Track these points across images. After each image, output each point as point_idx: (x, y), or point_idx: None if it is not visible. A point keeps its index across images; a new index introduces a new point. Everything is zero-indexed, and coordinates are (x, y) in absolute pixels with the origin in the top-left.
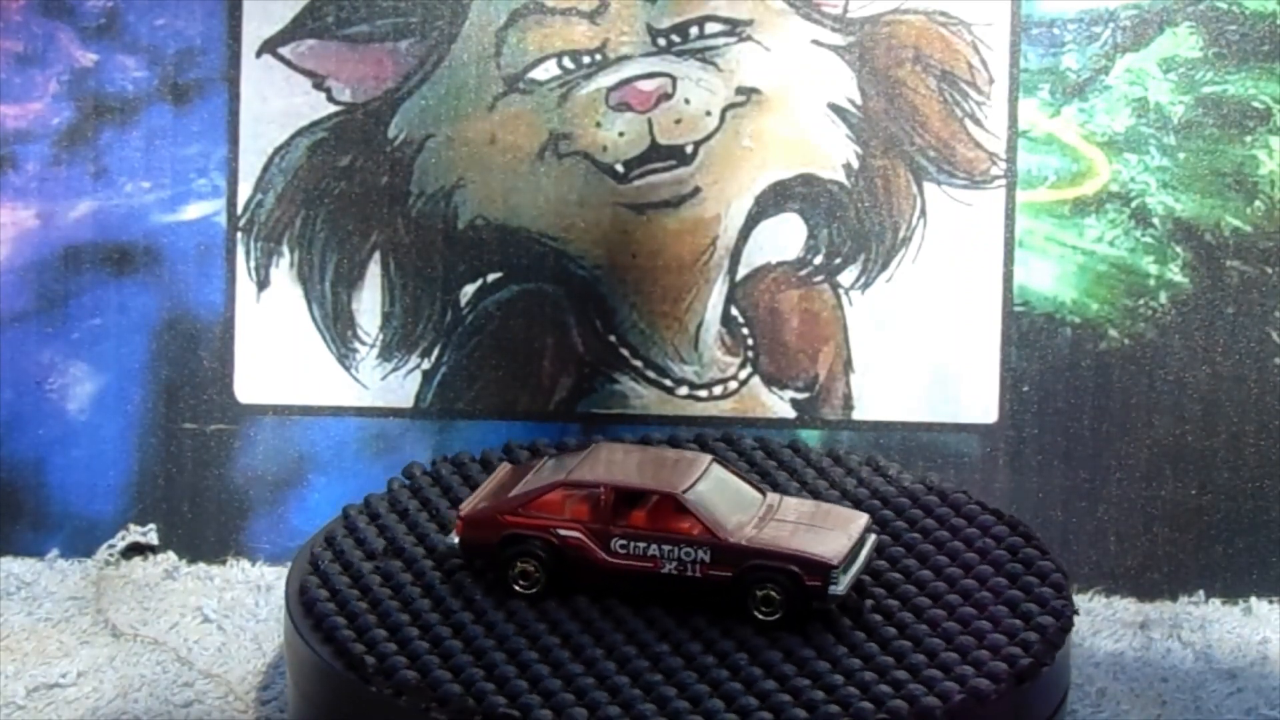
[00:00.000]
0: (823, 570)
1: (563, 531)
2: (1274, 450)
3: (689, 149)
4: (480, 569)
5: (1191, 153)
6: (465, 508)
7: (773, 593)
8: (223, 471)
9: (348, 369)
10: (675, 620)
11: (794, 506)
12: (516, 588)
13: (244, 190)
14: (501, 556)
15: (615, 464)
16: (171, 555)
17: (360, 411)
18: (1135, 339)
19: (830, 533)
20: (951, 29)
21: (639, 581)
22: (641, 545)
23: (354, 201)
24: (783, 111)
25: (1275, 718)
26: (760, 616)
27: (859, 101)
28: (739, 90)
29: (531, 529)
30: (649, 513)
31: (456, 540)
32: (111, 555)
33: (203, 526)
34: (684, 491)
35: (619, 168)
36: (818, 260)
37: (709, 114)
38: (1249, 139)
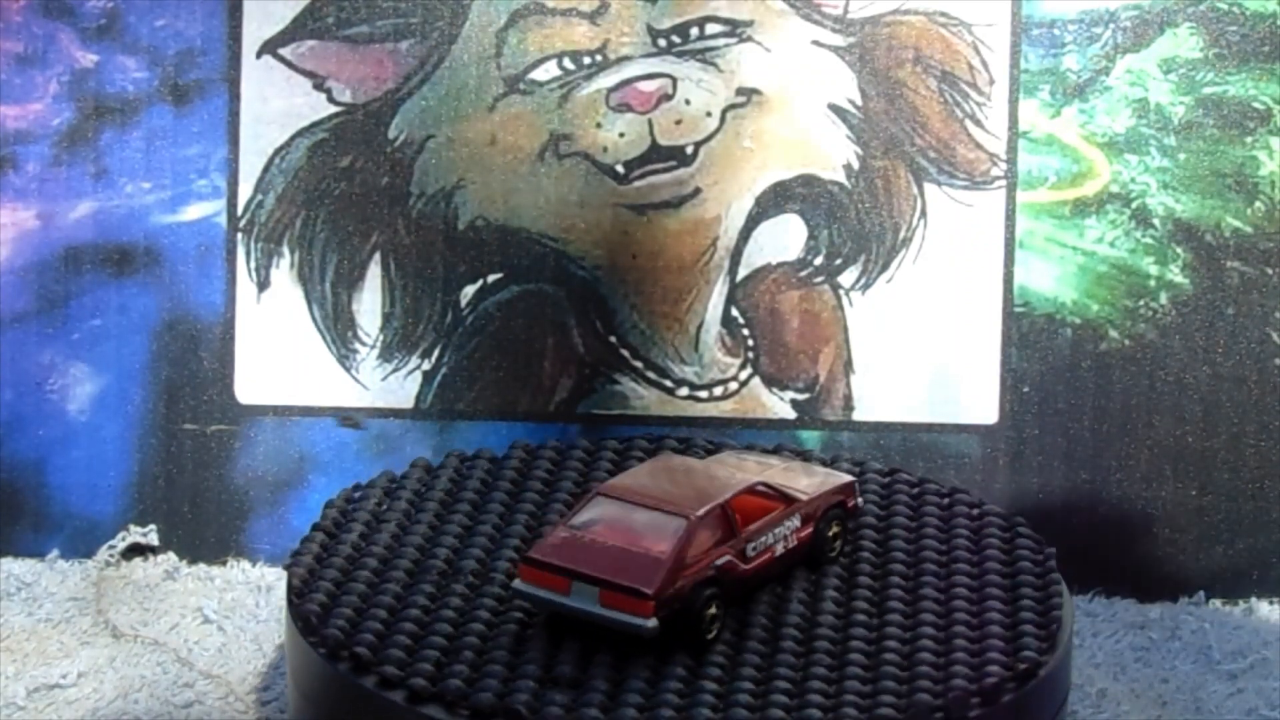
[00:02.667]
0: (854, 489)
1: (718, 561)
2: (1274, 450)
3: (689, 150)
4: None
5: (1192, 153)
6: (645, 588)
7: (836, 527)
8: (223, 472)
9: (348, 370)
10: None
11: (749, 461)
12: (709, 635)
13: (244, 191)
14: (690, 613)
15: (679, 481)
16: (172, 556)
17: (360, 412)
18: (1135, 340)
19: (800, 461)
20: (952, 30)
21: (764, 576)
22: (764, 540)
23: (354, 202)
24: (783, 112)
25: (1276, 718)
26: (833, 555)
27: (859, 102)
28: (739, 91)
29: (699, 572)
30: (748, 510)
31: (654, 622)
32: (112, 556)
33: (203, 527)
34: (761, 476)
35: (619, 168)
36: (818, 261)
37: (709, 115)
38: (1249, 140)
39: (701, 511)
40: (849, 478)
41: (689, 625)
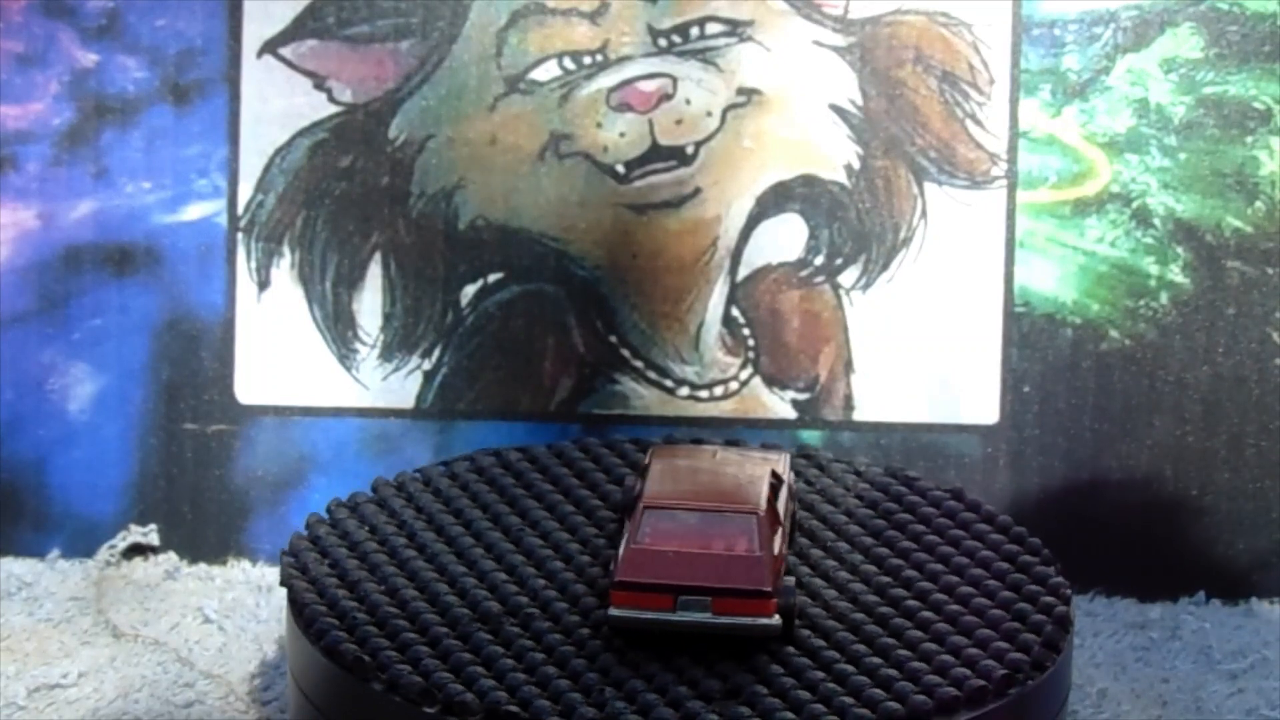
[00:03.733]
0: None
1: (786, 551)
2: (1274, 450)
3: (690, 149)
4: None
5: (1192, 153)
6: (764, 587)
7: (792, 504)
8: (223, 472)
9: (348, 369)
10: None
11: (718, 450)
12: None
13: (245, 191)
14: (787, 606)
15: (707, 481)
16: (172, 556)
17: (361, 412)
18: (1136, 340)
19: (735, 447)
20: (952, 30)
21: (786, 554)
22: (785, 525)
23: (355, 202)
24: (784, 112)
25: (1276, 718)
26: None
27: (860, 102)
28: (740, 91)
29: (779, 563)
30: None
31: (777, 619)
32: (112, 556)
33: (203, 527)
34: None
35: (620, 168)
36: (819, 261)
37: (710, 114)
38: (1250, 140)
39: (764, 506)
40: (784, 454)
41: (787, 617)
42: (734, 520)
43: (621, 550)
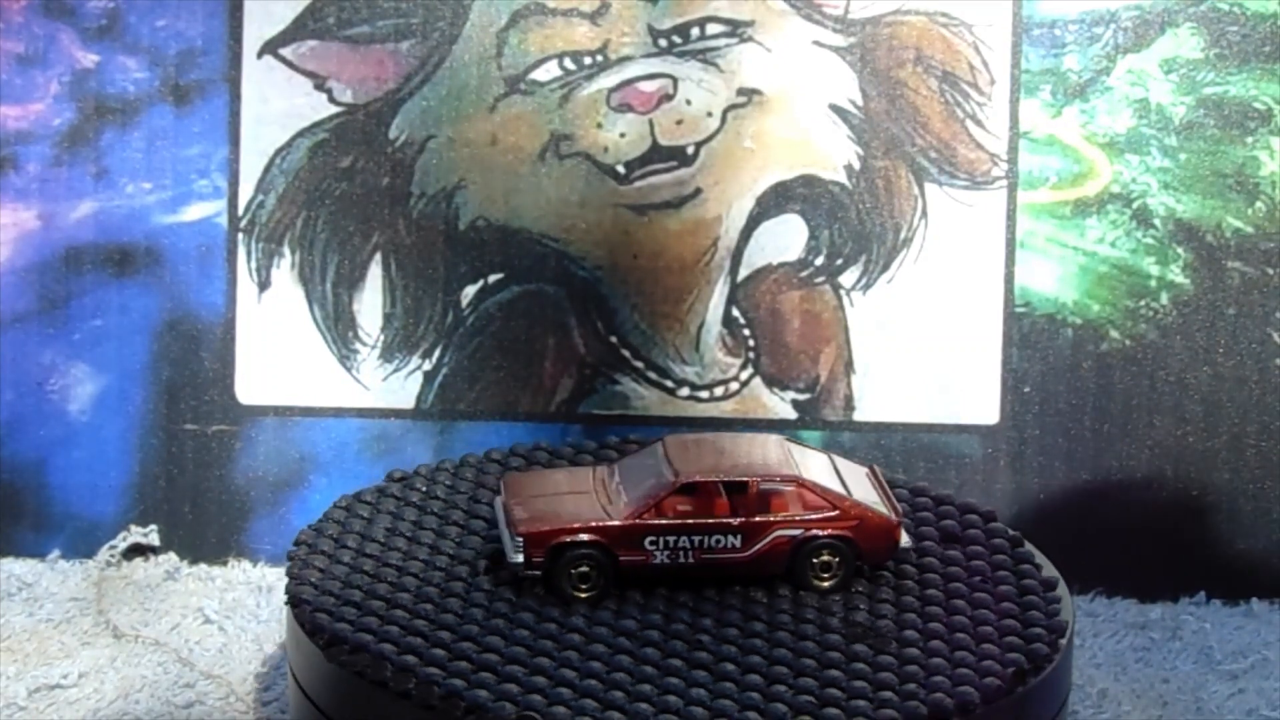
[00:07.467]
0: None
1: None
2: (1274, 450)
3: (690, 150)
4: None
5: (1193, 154)
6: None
7: None
8: (224, 472)
9: (349, 370)
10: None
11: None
12: None
13: (245, 191)
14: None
15: (757, 451)
16: (173, 556)
17: (361, 412)
18: (1136, 340)
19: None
20: (953, 30)
21: None
22: None
23: (355, 202)
24: (784, 112)
25: (1276, 719)
26: None
27: (860, 102)
28: (740, 91)
29: None
30: None
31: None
32: (113, 556)
33: (204, 527)
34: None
35: (620, 169)
36: (819, 261)
37: (710, 115)
38: (1250, 140)
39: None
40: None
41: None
42: (850, 465)
43: (861, 517)
